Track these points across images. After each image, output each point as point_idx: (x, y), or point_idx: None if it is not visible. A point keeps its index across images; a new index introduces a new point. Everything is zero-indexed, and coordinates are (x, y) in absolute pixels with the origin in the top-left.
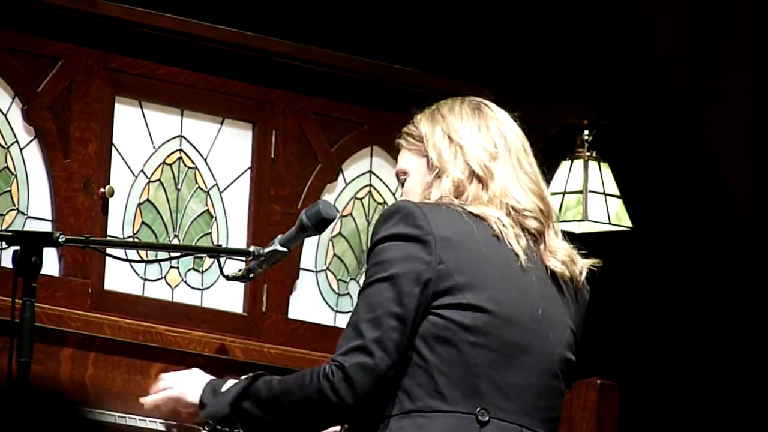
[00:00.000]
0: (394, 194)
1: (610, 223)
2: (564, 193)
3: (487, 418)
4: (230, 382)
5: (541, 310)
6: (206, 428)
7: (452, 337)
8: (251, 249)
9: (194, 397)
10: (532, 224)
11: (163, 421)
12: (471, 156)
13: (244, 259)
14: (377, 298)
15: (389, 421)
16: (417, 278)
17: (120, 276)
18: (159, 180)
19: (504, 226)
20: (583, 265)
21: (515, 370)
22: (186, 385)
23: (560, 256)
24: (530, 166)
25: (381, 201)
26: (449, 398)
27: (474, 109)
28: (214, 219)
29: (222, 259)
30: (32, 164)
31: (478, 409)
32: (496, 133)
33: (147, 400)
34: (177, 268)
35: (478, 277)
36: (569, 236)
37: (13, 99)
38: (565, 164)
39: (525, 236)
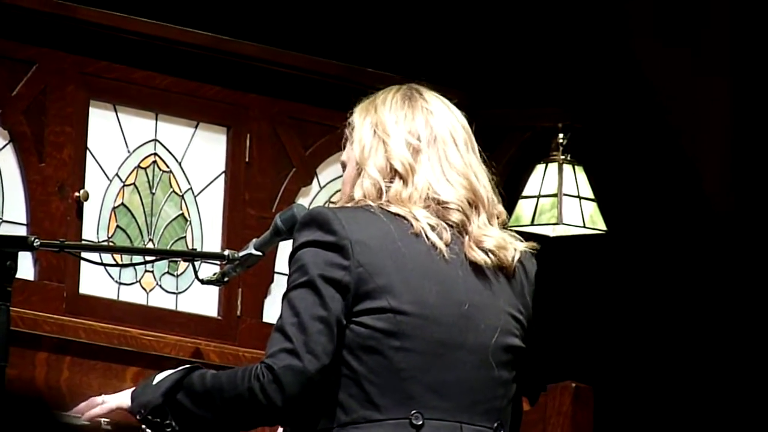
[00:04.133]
0: None
1: (584, 227)
2: (538, 196)
3: (421, 422)
4: (161, 375)
5: (468, 303)
6: (138, 418)
7: (377, 345)
8: (226, 253)
9: (126, 398)
10: (454, 217)
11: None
12: (393, 151)
13: (218, 262)
14: (301, 302)
15: None
16: (336, 283)
17: (95, 280)
18: (134, 184)
19: (419, 221)
20: (516, 248)
21: (447, 368)
22: (117, 395)
23: (487, 244)
24: (459, 157)
25: None
26: (382, 407)
27: (405, 97)
28: (188, 223)
29: (197, 263)
30: (7, 168)
31: (412, 413)
32: (422, 124)
33: (87, 416)
34: (152, 272)
35: (398, 279)
36: (543, 240)
37: None
38: (539, 168)
39: (449, 229)
